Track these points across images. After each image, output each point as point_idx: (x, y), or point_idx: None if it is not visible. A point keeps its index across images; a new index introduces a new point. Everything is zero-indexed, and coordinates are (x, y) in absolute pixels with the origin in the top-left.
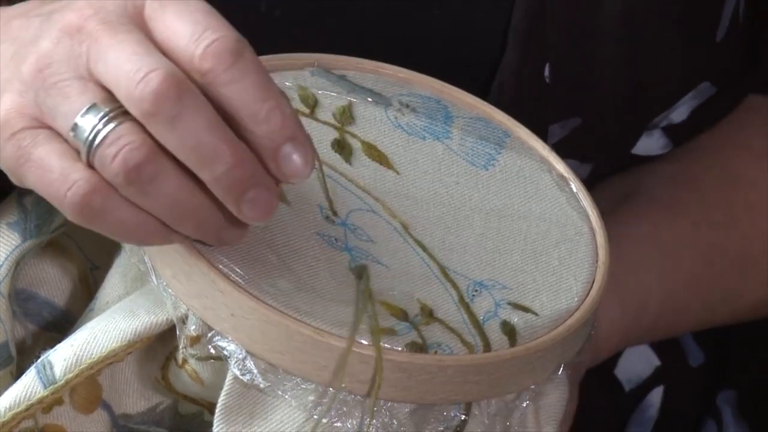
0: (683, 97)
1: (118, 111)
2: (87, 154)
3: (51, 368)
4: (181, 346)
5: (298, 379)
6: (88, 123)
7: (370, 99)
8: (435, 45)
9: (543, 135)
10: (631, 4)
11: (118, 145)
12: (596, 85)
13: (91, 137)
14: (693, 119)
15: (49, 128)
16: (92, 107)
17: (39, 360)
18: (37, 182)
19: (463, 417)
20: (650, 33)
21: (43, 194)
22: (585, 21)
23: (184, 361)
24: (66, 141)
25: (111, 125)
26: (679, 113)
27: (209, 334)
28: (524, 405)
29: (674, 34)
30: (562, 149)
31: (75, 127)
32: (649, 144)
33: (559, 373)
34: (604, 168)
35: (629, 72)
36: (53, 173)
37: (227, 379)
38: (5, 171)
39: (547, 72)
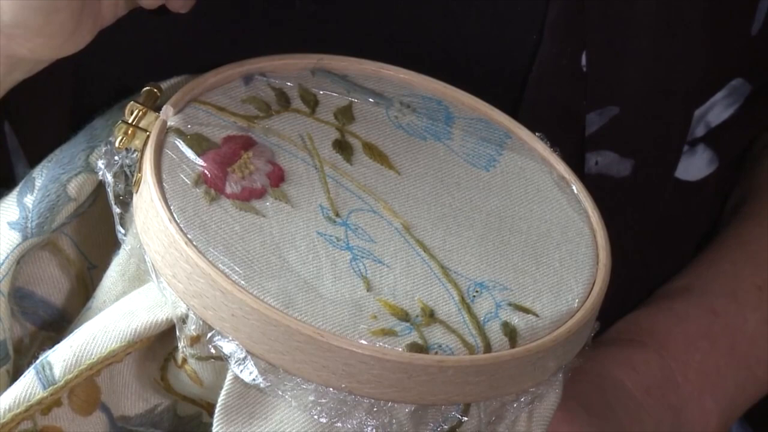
0: (717, 93)
1: None
2: None
3: (50, 369)
4: (181, 346)
5: (298, 379)
6: None
7: (371, 99)
8: (471, 42)
9: (581, 124)
10: None
11: None
12: (632, 73)
13: None
14: (734, 124)
15: None
16: None
17: (38, 361)
18: None
19: (461, 418)
20: (684, 23)
21: None
22: (620, 10)
23: (184, 361)
24: None
25: None
26: (715, 114)
27: (209, 334)
28: (522, 407)
29: (707, 25)
30: (600, 140)
31: None
32: (694, 162)
33: (560, 375)
34: (648, 167)
35: (663, 61)
36: None
37: (227, 379)
38: None
39: (583, 61)
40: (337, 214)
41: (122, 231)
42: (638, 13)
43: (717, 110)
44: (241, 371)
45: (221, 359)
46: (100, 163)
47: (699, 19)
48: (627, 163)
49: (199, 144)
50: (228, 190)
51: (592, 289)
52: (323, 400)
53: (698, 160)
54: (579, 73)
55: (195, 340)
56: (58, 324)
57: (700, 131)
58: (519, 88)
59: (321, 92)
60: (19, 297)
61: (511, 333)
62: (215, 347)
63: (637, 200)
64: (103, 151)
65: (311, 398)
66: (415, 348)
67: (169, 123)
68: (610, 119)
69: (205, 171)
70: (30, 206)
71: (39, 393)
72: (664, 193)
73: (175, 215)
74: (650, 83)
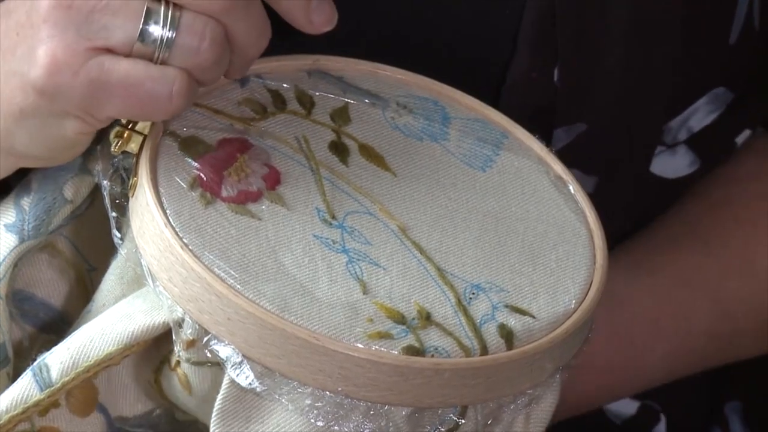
0: (696, 102)
1: (171, 3)
2: (160, 52)
3: (47, 371)
4: (176, 350)
5: (294, 383)
6: (155, 23)
7: (367, 100)
8: (445, 49)
9: (548, 139)
10: (639, 7)
11: (198, 31)
12: (603, 90)
13: (167, 34)
14: (715, 129)
15: (107, 50)
16: (147, 10)
17: (35, 363)
18: (128, 101)
19: (458, 420)
20: (658, 37)
21: (136, 110)
22: (593, 24)
23: (177, 363)
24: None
25: (177, 15)
26: (697, 120)
27: (205, 338)
28: (519, 408)
29: (683, 37)
30: (565, 156)
31: (143, 33)
32: (675, 162)
33: (557, 376)
34: (612, 184)
35: (636, 76)
36: (147, 83)
37: (224, 383)
38: (70, 114)
39: (556, 76)
40: (333, 217)
41: (118, 235)
42: (612, 27)
43: (699, 116)
44: (238, 375)
45: (217, 364)
46: (96, 167)
47: (675, 30)
48: (591, 180)
49: (195, 147)
50: (224, 193)
51: (588, 290)
52: (320, 404)
53: (679, 160)
54: (552, 87)
55: (191, 344)
56: (57, 326)
57: (682, 135)
58: (492, 99)
59: (317, 93)
60: (20, 300)
61: (507, 335)
62: (211, 351)
63: (600, 216)
64: (99, 154)
65: (308, 402)
66: (412, 351)
67: (164, 126)
68: (576, 136)
69: (201, 174)
70: (26, 209)
71: (36, 395)
72: (626, 208)
73: (170, 219)
74: (621, 99)
